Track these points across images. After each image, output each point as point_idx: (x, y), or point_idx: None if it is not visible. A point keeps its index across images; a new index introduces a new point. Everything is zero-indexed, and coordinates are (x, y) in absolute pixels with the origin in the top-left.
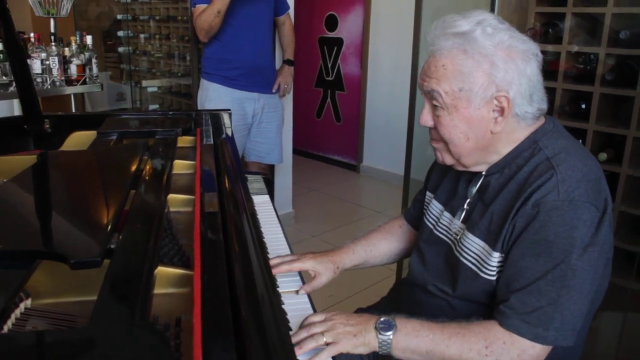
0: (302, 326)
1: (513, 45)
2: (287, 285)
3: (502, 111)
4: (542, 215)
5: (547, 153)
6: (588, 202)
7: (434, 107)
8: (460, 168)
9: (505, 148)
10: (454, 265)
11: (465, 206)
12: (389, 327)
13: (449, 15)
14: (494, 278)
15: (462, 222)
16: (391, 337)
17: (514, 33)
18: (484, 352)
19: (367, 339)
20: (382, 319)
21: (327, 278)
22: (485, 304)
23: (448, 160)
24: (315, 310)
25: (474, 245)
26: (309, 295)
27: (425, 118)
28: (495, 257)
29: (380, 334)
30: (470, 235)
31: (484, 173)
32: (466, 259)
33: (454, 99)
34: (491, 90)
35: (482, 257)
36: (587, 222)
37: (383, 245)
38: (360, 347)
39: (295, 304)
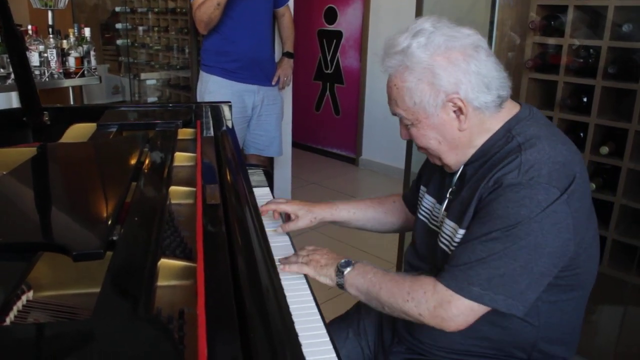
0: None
1: (450, 47)
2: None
3: (460, 110)
4: (499, 190)
5: (519, 140)
6: (548, 183)
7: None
8: (448, 170)
9: (479, 140)
10: (439, 253)
11: (447, 195)
12: (347, 265)
13: (393, 34)
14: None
15: (445, 209)
16: (345, 273)
17: (451, 32)
18: (406, 298)
19: (329, 272)
20: (345, 259)
21: (304, 224)
22: None
23: (437, 161)
24: (314, 297)
25: (448, 228)
26: (308, 283)
27: (403, 133)
28: (461, 233)
29: (338, 270)
30: (447, 221)
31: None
32: (442, 242)
33: (413, 113)
34: (440, 97)
35: (451, 236)
36: (541, 202)
37: (369, 212)
38: (322, 277)
39: (296, 297)
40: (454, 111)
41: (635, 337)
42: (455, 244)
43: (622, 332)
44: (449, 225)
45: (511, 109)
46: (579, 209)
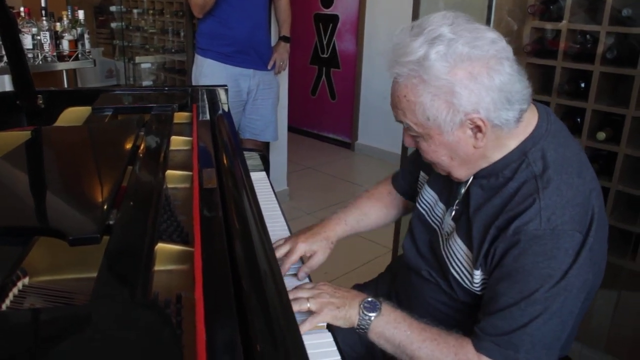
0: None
1: (474, 57)
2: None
3: (479, 128)
4: (522, 243)
5: (534, 170)
6: (572, 229)
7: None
8: (455, 179)
9: (494, 154)
10: (443, 264)
11: (455, 206)
12: (373, 308)
13: (401, 33)
14: (479, 293)
15: (453, 220)
16: (372, 318)
17: (473, 37)
18: None
19: (349, 314)
20: (369, 299)
21: (324, 255)
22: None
23: (442, 172)
24: (311, 280)
25: (459, 251)
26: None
27: (408, 141)
28: (477, 274)
29: (362, 312)
30: (457, 238)
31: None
32: (452, 265)
33: (425, 128)
34: (459, 116)
35: (465, 266)
36: (568, 250)
37: (373, 213)
38: (340, 320)
39: (294, 280)
40: (471, 129)
41: (629, 320)
42: (474, 283)
43: (616, 317)
44: (459, 246)
45: (529, 121)
46: (599, 239)
